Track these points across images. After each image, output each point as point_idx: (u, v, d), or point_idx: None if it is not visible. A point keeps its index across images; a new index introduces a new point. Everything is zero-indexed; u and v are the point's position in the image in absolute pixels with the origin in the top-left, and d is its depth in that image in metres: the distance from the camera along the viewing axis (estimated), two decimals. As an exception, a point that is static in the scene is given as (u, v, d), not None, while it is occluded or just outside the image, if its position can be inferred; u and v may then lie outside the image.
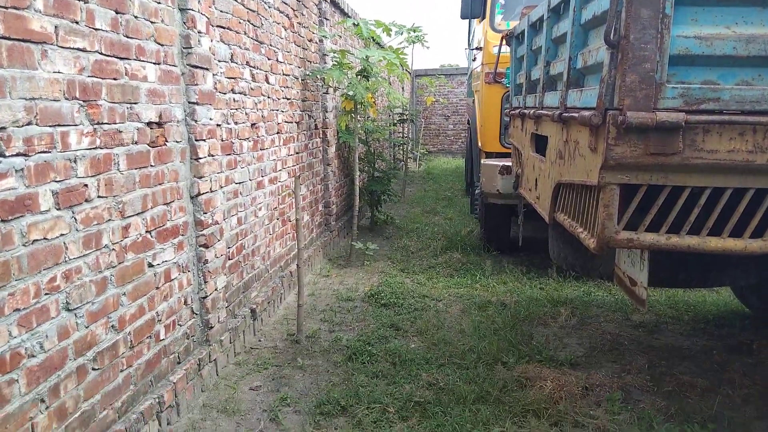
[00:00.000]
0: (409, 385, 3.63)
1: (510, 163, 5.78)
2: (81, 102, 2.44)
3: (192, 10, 3.29)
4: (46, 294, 2.24)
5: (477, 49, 7.48)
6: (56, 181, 2.30)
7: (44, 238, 2.23)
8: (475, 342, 4.26)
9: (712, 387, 3.58)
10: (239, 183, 4.17)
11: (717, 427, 3.10)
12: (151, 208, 3.00)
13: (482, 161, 6.51)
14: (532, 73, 4.20)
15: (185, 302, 3.39)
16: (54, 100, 2.28)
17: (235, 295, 4.16)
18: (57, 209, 2.31)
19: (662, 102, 2.20)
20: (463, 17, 7.26)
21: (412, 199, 10.91)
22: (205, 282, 3.53)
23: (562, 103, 3.03)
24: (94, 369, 2.56)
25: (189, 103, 3.36)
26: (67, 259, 2.36)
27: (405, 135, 13.29)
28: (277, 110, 5.02)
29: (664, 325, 4.68)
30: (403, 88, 15.15)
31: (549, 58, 3.55)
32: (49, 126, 2.26)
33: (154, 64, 3.01)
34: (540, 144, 3.86)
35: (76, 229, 2.42)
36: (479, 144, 7.15)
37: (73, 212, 2.40)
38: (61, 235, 2.33)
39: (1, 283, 2.02)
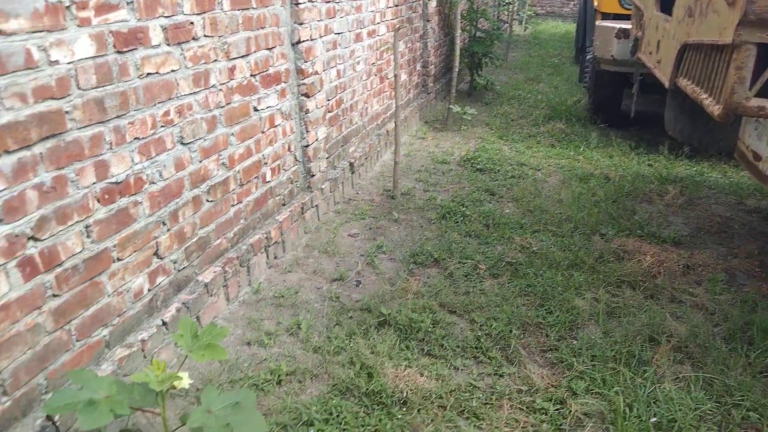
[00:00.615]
0: (501, 247, 3.65)
1: (628, 26, 5.28)
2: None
3: None
4: (161, 126, 2.36)
5: None
6: (165, 17, 2.32)
7: (157, 72, 2.30)
8: (573, 212, 4.16)
9: (830, 276, 3.34)
10: (338, 33, 4.06)
11: (829, 316, 2.93)
12: (254, 51, 3.00)
13: (597, 23, 5.98)
14: None
15: (289, 149, 3.48)
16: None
17: (335, 147, 4.22)
18: (167, 45, 2.34)
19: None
20: None
21: (514, 65, 10.35)
22: (307, 131, 3.59)
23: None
24: (208, 200, 2.73)
25: (291, -59, 3.21)
26: (178, 94, 2.44)
27: (512, -6, 12.28)
28: (380, -44, 4.73)
29: (784, 211, 4.35)
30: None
31: None
32: (158, -44, 2.24)
33: None
34: (666, 2, 3.45)
35: (186, 66, 2.47)
36: (595, 3, 6.53)
37: (182, 49, 2.44)
38: (172, 71, 2.39)
39: (122, 112, 2.13)
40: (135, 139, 2.21)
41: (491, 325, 2.82)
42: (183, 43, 2.44)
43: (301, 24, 3.39)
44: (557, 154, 5.62)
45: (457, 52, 6.41)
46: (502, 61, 8.65)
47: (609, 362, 2.58)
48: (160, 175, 2.38)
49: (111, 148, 2.10)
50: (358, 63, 4.55)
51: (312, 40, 3.55)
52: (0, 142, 1.70)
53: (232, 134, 2.87)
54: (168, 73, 2.37)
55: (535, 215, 4.16)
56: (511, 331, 2.79)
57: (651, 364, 2.57)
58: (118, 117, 2.12)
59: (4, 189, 1.73)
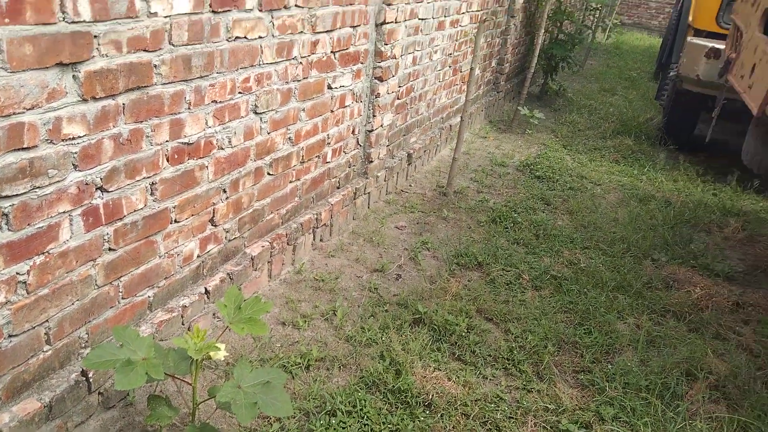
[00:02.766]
0: (548, 259, 3.60)
1: (720, 46, 5.06)
2: None
3: None
4: (239, 93, 2.40)
5: None
6: (262, -18, 2.33)
7: (245, 37, 2.33)
8: (628, 233, 4.06)
9: None
10: (422, 19, 4.03)
11: None
12: (339, 28, 3.00)
13: (689, 39, 5.74)
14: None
15: (353, 131, 3.50)
16: None
17: (397, 136, 4.22)
18: (259, 10, 2.37)
19: None
20: None
21: (591, 73, 10.06)
22: (374, 116, 3.59)
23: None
24: (269, 174, 2.78)
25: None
26: (261, 62, 2.47)
27: (602, -1, 11.84)
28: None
29: None
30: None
31: None
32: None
33: None
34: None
35: (272, 35, 2.50)
36: (690, 19, 6.27)
37: (272, 17, 2.46)
38: (259, 37, 2.41)
39: (206, 73, 2.17)
40: (213, 102, 2.25)
41: (526, 338, 2.80)
42: (275, 10, 2.46)
43: (389, 5, 3.37)
44: (620, 171, 5.48)
45: (536, 53, 6.26)
46: (579, 68, 8.41)
47: (642, 392, 2.53)
48: (229, 141, 2.42)
49: (189, 108, 2.14)
50: (436, 52, 4.51)
51: (396, 22, 3.53)
52: (89, 88, 1.72)
53: (303, 110, 2.90)
54: (255, 39, 2.39)
55: (588, 231, 4.07)
56: (545, 347, 2.76)
57: (685, 400, 2.50)
58: (201, 77, 2.15)
59: (84, 135, 1.75)
